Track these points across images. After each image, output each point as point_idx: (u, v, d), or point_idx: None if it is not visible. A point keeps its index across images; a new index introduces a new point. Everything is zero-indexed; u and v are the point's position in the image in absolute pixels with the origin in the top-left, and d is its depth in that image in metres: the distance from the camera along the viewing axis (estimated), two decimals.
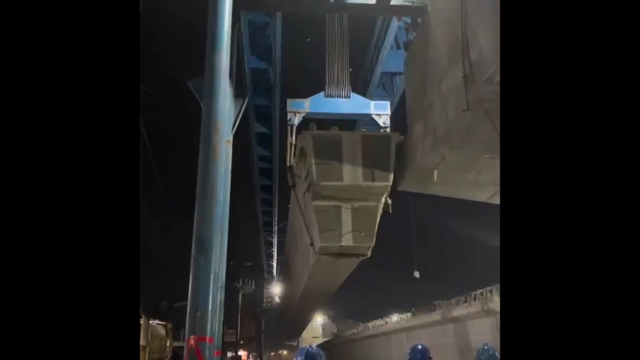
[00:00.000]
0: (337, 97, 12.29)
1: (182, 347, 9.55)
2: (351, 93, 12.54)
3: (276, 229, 36.37)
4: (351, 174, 10.60)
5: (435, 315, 15.66)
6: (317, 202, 11.21)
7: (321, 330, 63.11)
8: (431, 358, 5.87)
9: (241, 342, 40.48)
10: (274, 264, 47.70)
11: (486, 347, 5.68)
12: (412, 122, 10.17)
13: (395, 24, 13.23)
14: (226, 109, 8.75)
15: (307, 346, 5.16)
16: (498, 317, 10.93)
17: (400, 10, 10.61)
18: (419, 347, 6.04)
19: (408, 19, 11.61)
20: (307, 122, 12.10)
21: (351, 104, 12.38)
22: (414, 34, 11.15)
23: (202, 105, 8.58)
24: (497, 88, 7.09)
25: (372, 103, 12.56)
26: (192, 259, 7.61)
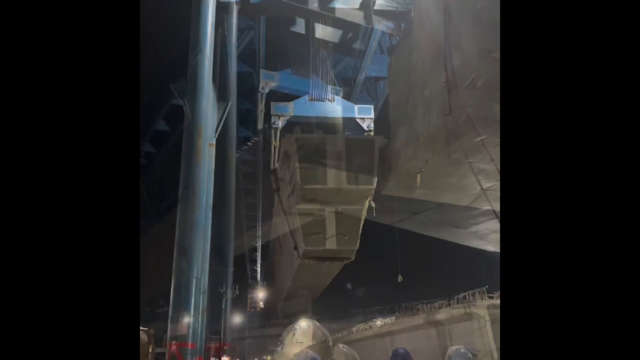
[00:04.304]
0: (321, 100, 12.34)
1: (164, 354, 9.43)
2: (335, 97, 12.62)
3: (260, 234, 36.10)
4: (335, 177, 10.62)
5: (419, 319, 15.68)
6: (301, 206, 11.20)
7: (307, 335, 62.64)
8: None
9: (225, 347, 40.09)
10: (258, 268, 47.29)
11: (462, 351, 5.66)
12: (396, 127, 10.22)
13: (379, 29, 13.33)
14: (209, 112, 8.69)
15: (307, 352, 5.09)
16: (481, 320, 10.99)
17: (383, 15, 10.71)
18: (400, 350, 6.03)
19: (391, 24, 11.69)
20: (292, 125, 12.11)
21: (335, 107, 12.44)
22: (397, 39, 11.23)
23: (185, 109, 8.51)
24: (479, 93, 7.19)
25: (356, 107, 12.65)
26: (174, 263, 7.52)
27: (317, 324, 3.60)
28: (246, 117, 18.38)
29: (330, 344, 3.44)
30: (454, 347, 5.70)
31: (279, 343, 3.45)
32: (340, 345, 3.90)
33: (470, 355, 5.46)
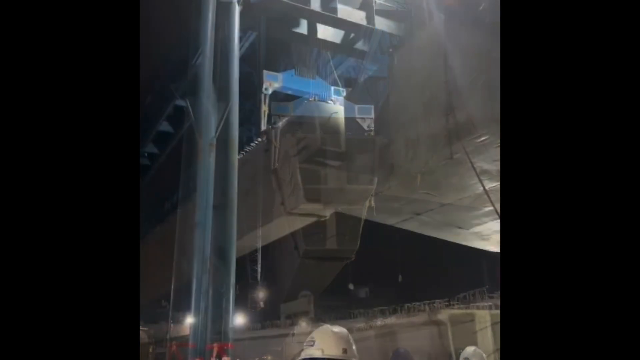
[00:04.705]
0: (322, 101, 12.38)
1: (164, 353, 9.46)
2: (336, 97, 12.67)
3: (260, 234, 36.12)
4: (335, 177, 10.64)
5: (420, 318, 15.65)
6: (302, 205, 11.24)
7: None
8: None
9: (226, 348, 40.10)
10: (259, 269, 47.32)
11: (478, 351, 5.72)
12: (397, 127, 10.22)
13: (378, 30, 13.35)
14: (210, 113, 8.69)
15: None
16: (483, 320, 10.97)
17: (383, 14, 10.72)
18: (401, 350, 6.06)
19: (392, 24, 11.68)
20: (294, 125, 12.14)
21: (335, 107, 12.46)
22: (398, 39, 11.23)
23: (186, 109, 8.52)
24: (481, 92, 7.18)
25: (357, 107, 12.66)
26: (174, 263, 7.54)
27: (341, 329, 3.56)
28: (249, 118, 18.40)
29: (354, 347, 3.39)
30: (472, 348, 5.76)
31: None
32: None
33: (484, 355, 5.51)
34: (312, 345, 3.22)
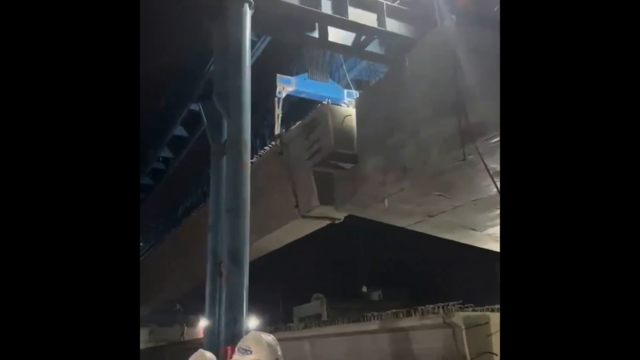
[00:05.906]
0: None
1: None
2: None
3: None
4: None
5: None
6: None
7: None
8: None
9: None
10: None
11: None
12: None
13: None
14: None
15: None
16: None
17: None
18: None
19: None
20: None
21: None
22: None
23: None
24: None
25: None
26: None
27: (272, 337, 3.64)
28: (262, 122, 18.50)
29: (280, 353, 3.52)
30: None
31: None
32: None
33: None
34: (247, 354, 3.32)
